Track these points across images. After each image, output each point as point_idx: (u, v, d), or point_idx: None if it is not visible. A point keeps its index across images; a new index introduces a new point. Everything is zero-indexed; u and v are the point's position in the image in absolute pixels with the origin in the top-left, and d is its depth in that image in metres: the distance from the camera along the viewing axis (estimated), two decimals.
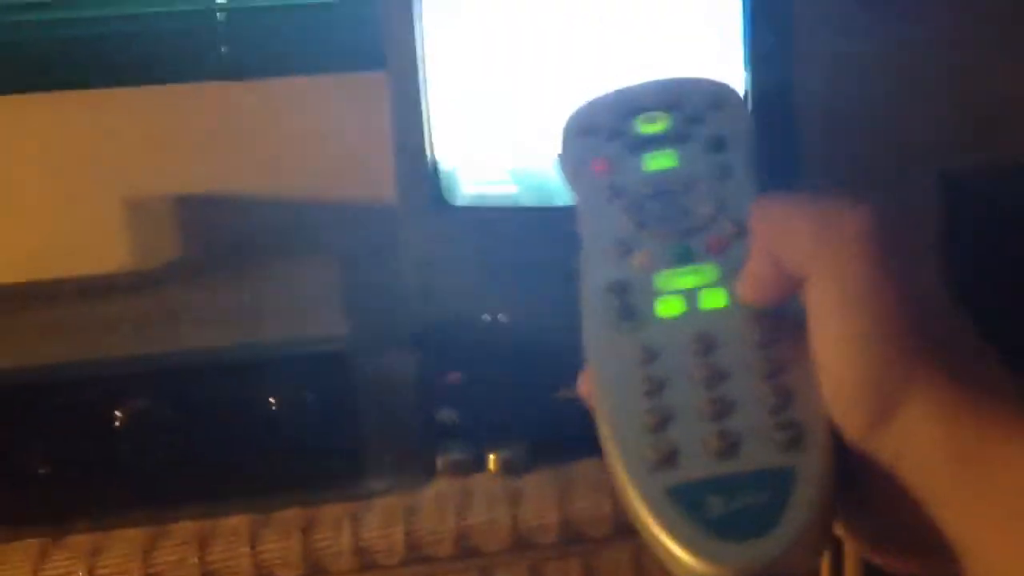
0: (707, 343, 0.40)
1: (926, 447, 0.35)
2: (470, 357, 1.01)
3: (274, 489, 0.95)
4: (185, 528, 0.93)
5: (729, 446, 0.37)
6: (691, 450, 0.37)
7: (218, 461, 0.95)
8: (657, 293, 0.41)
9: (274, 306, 1.07)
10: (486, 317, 1.01)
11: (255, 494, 0.95)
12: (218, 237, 1.29)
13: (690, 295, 0.41)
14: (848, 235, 0.36)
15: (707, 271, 0.41)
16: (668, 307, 0.41)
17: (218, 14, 1.29)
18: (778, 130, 0.98)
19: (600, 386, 0.40)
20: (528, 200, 1.00)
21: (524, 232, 1.01)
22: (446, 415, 1.01)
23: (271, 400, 0.93)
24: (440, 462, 0.99)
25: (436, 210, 1.00)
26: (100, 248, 1.26)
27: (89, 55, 1.27)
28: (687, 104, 0.46)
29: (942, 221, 1.13)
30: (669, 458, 0.37)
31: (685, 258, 0.42)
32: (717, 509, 0.36)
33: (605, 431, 0.39)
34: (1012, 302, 1.07)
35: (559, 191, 0.99)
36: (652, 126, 0.46)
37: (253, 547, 0.91)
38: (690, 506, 0.36)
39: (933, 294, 0.37)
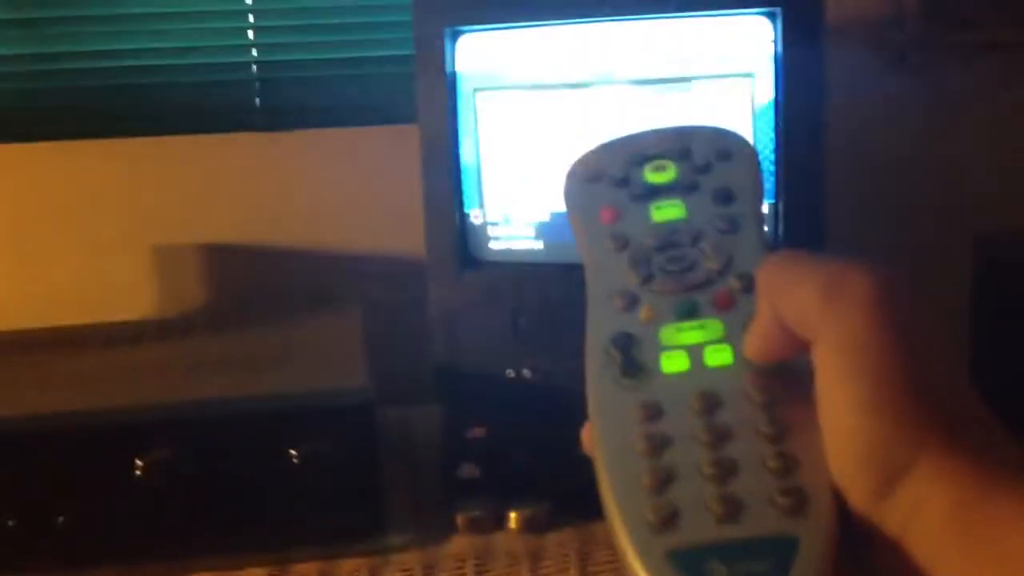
0: (711, 402, 0.39)
1: (933, 520, 0.34)
2: (493, 412, 1.01)
3: (293, 541, 0.94)
4: None
5: (731, 511, 0.36)
6: (693, 513, 0.36)
7: (238, 512, 0.94)
8: (661, 348, 0.41)
9: (299, 356, 1.07)
10: (510, 372, 1.00)
11: (274, 546, 0.94)
12: (246, 286, 1.30)
13: (695, 351, 0.40)
14: (855, 300, 0.36)
15: (713, 327, 0.41)
16: (672, 363, 0.40)
17: (253, 66, 1.30)
18: (808, 190, 0.97)
19: (601, 442, 0.39)
20: (554, 256, 1.00)
21: (549, 288, 1.00)
22: (468, 470, 1.00)
23: (292, 452, 0.92)
24: (460, 518, 0.98)
25: (463, 264, 1.00)
26: (129, 295, 1.27)
27: (123, 104, 1.29)
28: (696, 153, 0.45)
29: (975, 283, 1.12)
30: (670, 520, 0.36)
31: (691, 313, 0.41)
32: (718, 575, 0.35)
33: (605, 488, 0.38)
34: None
35: None
36: (660, 175, 0.45)
37: None
38: (690, 571, 0.35)
39: (941, 361, 0.36)
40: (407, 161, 1.02)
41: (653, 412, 0.39)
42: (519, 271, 1.01)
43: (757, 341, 0.39)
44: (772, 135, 0.96)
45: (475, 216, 1.00)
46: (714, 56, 0.96)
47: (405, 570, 0.93)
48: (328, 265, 1.29)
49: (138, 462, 0.90)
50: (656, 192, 0.45)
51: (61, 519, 0.91)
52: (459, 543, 0.96)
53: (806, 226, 0.97)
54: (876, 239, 1.27)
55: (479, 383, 1.01)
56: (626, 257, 0.43)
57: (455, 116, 0.98)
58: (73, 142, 1.27)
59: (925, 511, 0.34)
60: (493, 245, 1.00)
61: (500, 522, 0.98)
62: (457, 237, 0.99)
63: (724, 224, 0.43)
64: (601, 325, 0.42)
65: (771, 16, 0.94)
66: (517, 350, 1.00)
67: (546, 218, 0.99)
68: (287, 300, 1.25)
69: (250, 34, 1.30)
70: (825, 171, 0.98)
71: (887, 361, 0.35)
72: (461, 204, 0.99)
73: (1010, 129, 1.31)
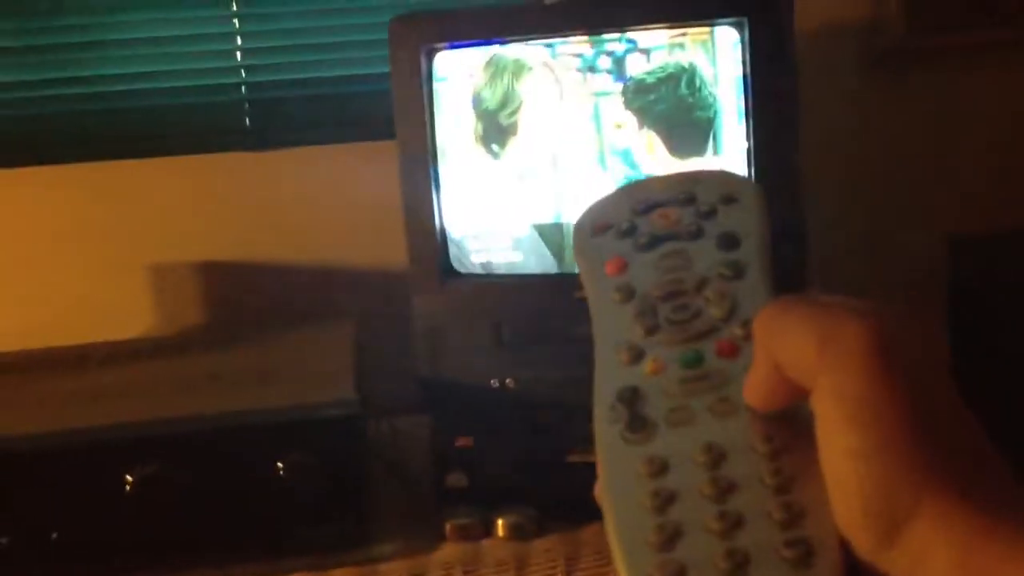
0: (716, 453, 0.38)
1: (939, 567, 0.33)
2: (479, 422, 1.02)
3: (282, 552, 0.96)
4: None
5: (738, 565, 0.36)
6: (700, 570, 0.36)
7: (227, 524, 0.95)
8: (667, 401, 0.40)
9: (289, 370, 1.09)
10: (495, 383, 1.02)
11: (263, 557, 0.95)
12: (239, 302, 1.31)
13: (700, 402, 0.40)
14: (851, 347, 0.35)
15: (718, 377, 0.40)
16: (677, 416, 0.40)
17: (242, 87, 1.33)
18: (783, 194, 0.98)
19: (609, 495, 0.39)
20: (534, 267, 1.01)
21: (531, 299, 1.02)
22: (455, 479, 1.02)
23: (279, 464, 0.94)
24: (448, 526, 0.99)
25: (445, 277, 1.01)
26: (124, 315, 1.29)
27: (117, 127, 1.32)
28: (701, 198, 0.45)
29: (949, 284, 1.14)
30: None
31: (695, 363, 0.40)
32: None
33: (614, 542, 0.38)
34: (1018, 363, 1.07)
35: (563, 259, 1.01)
36: (665, 223, 0.44)
37: None
38: None
39: (943, 406, 0.36)
40: (390, 175, 1.03)
41: (659, 467, 0.38)
42: (501, 283, 1.02)
43: (756, 388, 0.39)
44: (744, 145, 0.97)
45: (454, 229, 1.02)
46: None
47: None
48: (319, 279, 1.31)
49: (129, 477, 0.92)
50: (661, 240, 0.44)
51: (55, 535, 0.92)
52: (447, 551, 0.98)
53: (784, 241, 0.98)
54: (852, 242, 1.28)
55: (465, 393, 1.03)
56: (631, 309, 0.42)
57: (432, 131, 1.00)
58: (66, 166, 1.30)
59: (931, 558, 0.34)
60: (475, 258, 1.02)
61: (488, 529, 1.00)
62: (438, 251, 1.01)
63: (729, 270, 0.42)
64: (607, 378, 0.41)
65: (738, 26, 0.96)
66: (501, 360, 1.02)
67: (525, 232, 1.01)
68: (278, 315, 1.27)
69: (238, 55, 1.32)
70: (800, 184, 0.99)
71: (885, 408, 0.35)
72: (441, 218, 1.01)
73: (987, 131, 1.32)
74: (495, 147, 1.01)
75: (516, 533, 0.99)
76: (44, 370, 1.15)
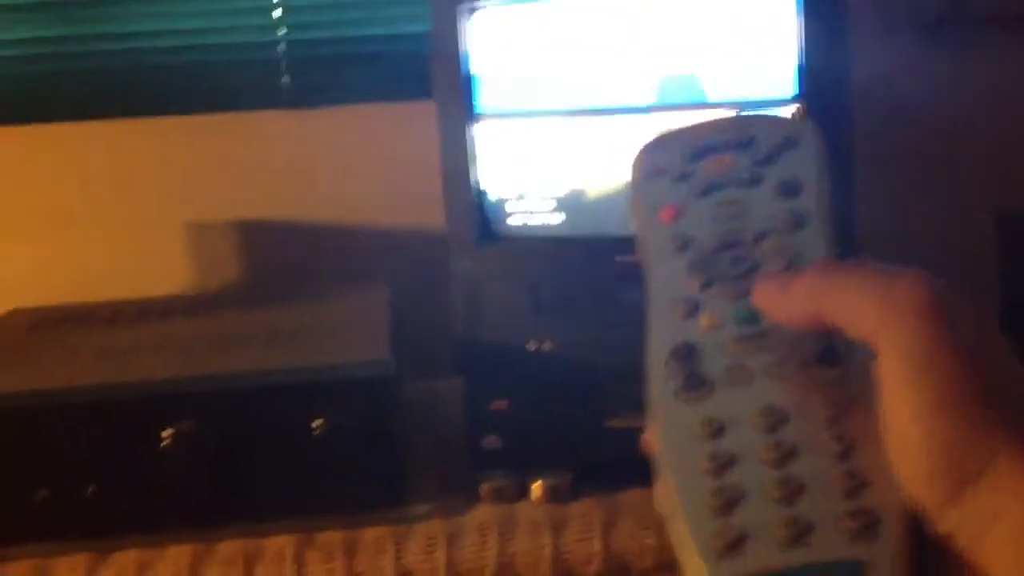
0: (775, 417, 0.37)
1: (1013, 530, 0.33)
2: (515, 384, 1.02)
3: (317, 511, 0.96)
4: (231, 547, 0.94)
5: (799, 534, 0.35)
6: (758, 537, 0.35)
7: (263, 482, 0.96)
8: (723, 359, 0.39)
9: (325, 330, 1.09)
10: (532, 345, 1.01)
11: (299, 515, 0.96)
12: (274, 262, 1.31)
13: (756, 362, 0.38)
14: (915, 309, 0.35)
15: (774, 336, 0.38)
16: (734, 375, 0.38)
17: (281, 45, 1.32)
18: (836, 173, 0.97)
19: (665, 456, 0.38)
20: (573, 229, 1.00)
21: (568, 261, 1.01)
22: (491, 442, 1.02)
23: (314, 424, 0.94)
24: (484, 488, 0.99)
25: (483, 239, 1.01)
26: (160, 272, 1.29)
27: (154, 84, 1.31)
28: (760, 143, 0.43)
29: (1000, 260, 1.12)
30: (736, 545, 0.35)
31: (752, 320, 0.39)
32: None
33: (670, 504, 0.37)
34: None
35: (603, 220, 1.00)
36: (722, 169, 0.42)
37: (297, 568, 0.92)
38: None
39: (1004, 362, 0.36)
40: (429, 135, 1.02)
41: (716, 429, 0.37)
42: (538, 245, 1.01)
43: (776, 299, 0.38)
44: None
45: (493, 191, 1.01)
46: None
47: (429, 539, 0.94)
48: (354, 241, 1.30)
49: (164, 434, 0.93)
50: (717, 187, 0.42)
51: (91, 489, 0.93)
52: (482, 512, 0.98)
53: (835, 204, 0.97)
54: (902, 213, 1.27)
55: (501, 356, 1.02)
56: (686, 260, 0.41)
57: (470, 92, 0.99)
58: (104, 122, 1.30)
59: (1004, 515, 0.33)
60: (511, 220, 1.01)
61: (523, 492, 0.99)
62: (475, 212, 1.00)
63: (789, 220, 0.41)
64: (661, 334, 0.39)
65: None
66: (537, 323, 1.01)
67: (563, 193, 1.00)
68: (314, 275, 1.27)
69: (277, 13, 1.32)
70: (854, 150, 0.98)
71: (952, 366, 0.34)
72: (478, 180, 1.00)
73: None
74: (535, 107, 0.99)
75: (552, 496, 0.99)
76: (77, 325, 1.15)
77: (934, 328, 0.35)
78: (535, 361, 1.02)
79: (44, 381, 0.99)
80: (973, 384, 0.34)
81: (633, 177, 0.44)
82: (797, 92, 0.95)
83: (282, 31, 1.32)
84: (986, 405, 0.34)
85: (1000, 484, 0.33)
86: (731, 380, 0.38)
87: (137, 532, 0.95)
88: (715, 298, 0.40)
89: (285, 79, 1.32)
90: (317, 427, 0.94)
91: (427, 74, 1.02)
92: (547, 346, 1.01)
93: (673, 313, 0.40)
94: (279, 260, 1.31)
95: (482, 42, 0.99)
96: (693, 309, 0.40)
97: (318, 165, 1.30)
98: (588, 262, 1.00)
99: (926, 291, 0.35)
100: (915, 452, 0.34)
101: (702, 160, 0.43)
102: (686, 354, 0.39)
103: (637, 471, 1.04)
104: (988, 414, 0.34)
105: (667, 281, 0.41)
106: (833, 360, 0.38)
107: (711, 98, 0.96)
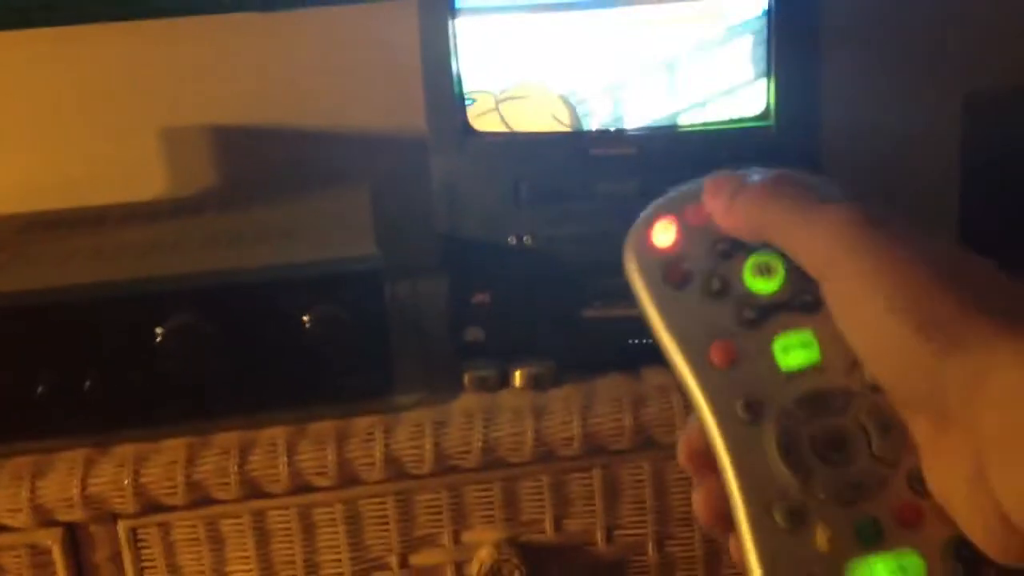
0: None
1: (996, 387, 0.32)
2: (497, 278, 1.05)
3: (309, 403, 0.99)
4: (225, 439, 0.97)
5: None
6: None
7: (255, 376, 0.98)
8: None
9: (308, 229, 1.10)
10: (512, 239, 1.04)
11: (291, 407, 0.99)
12: (254, 166, 1.33)
13: None
14: (855, 232, 0.36)
15: (911, 564, 0.32)
16: None
17: None
18: (798, 43, 0.99)
19: None
20: (553, 125, 1.02)
21: (548, 157, 1.03)
22: (473, 334, 1.05)
23: (305, 318, 0.96)
24: (467, 377, 1.02)
25: (463, 136, 1.03)
26: (139, 177, 1.30)
27: None
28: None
29: (963, 142, 1.15)
30: None
31: (876, 540, 0.32)
32: None
33: None
34: None
35: (583, 114, 1.02)
36: (767, 283, 0.35)
37: (290, 457, 0.95)
38: None
39: (954, 256, 0.36)
40: (407, 35, 1.04)
41: None
42: (519, 140, 1.04)
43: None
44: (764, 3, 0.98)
45: (473, 88, 1.02)
46: None
47: (416, 426, 0.97)
48: (333, 142, 1.32)
49: (159, 330, 0.95)
50: (770, 312, 0.34)
51: (88, 384, 0.95)
52: (467, 401, 1.01)
53: (800, 97, 1.00)
54: (869, 99, 1.29)
55: (482, 251, 1.05)
56: (771, 437, 0.33)
57: None
58: (78, 27, 1.29)
59: (989, 384, 0.33)
60: (493, 116, 1.03)
61: (505, 381, 1.03)
62: (457, 109, 1.02)
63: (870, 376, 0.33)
64: (767, 555, 0.32)
65: None
66: (519, 218, 1.04)
67: (545, 92, 1.02)
68: (294, 178, 1.28)
69: None
70: (819, 38, 1.00)
71: (910, 267, 0.35)
72: (459, 76, 1.02)
73: None
74: (515, 2, 1.01)
75: (533, 383, 1.02)
76: (66, 229, 1.16)
77: (877, 245, 0.35)
78: (516, 255, 1.04)
79: (39, 281, 1.00)
80: (933, 276, 0.35)
81: (648, 274, 0.35)
82: None
83: None
84: (951, 289, 0.35)
85: (980, 353, 0.33)
86: None
87: (134, 427, 0.97)
88: (821, 501, 0.33)
89: None
90: (307, 321, 0.97)
91: None
92: (527, 240, 1.04)
93: (773, 523, 0.33)
94: (259, 164, 1.32)
95: None
96: (799, 518, 0.33)
97: (296, 66, 1.31)
98: (568, 157, 1.03)
99: (862, 213, 0.36)
100: (896, 333, 0.34)
101: (734, 260, 0.35)
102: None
103: (614, 358, 1.08)
104: (955, 296, 0.34)
105: (748, 463, 0.33)
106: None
107: None
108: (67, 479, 0.94)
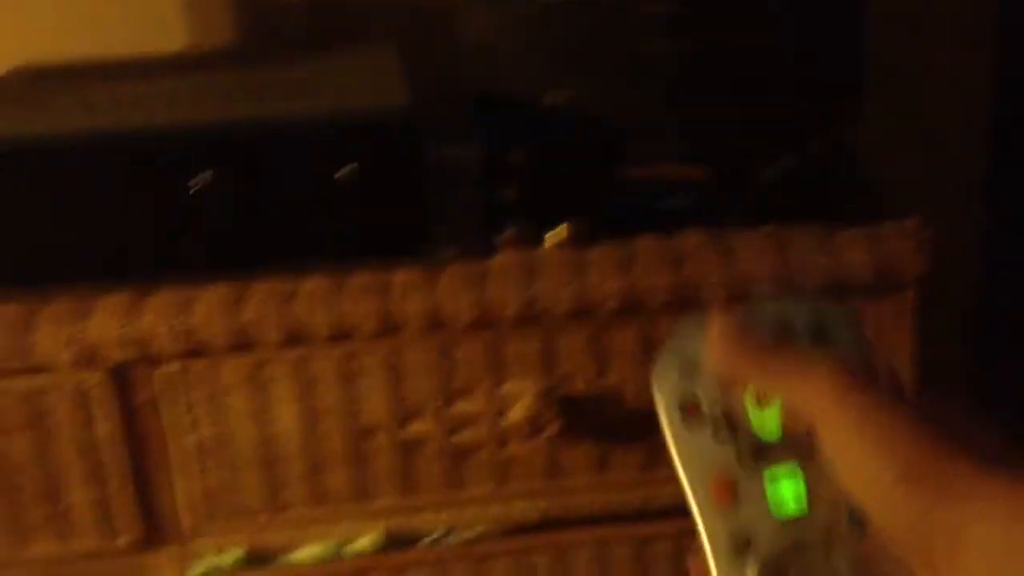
0: None
1: (978, 538, 0.35)
2: (532, 138, 1.04)
3: (345, 255, 0.99)
4: (265, 287, 0.97)
5: None
6: None
7: (292, 229, 0.98)
8: None
9: (336, 84, 1.09)
10: (547, 98, 1.04)
11: (328, 261, 0.98)
12: (276, 22, 1.30)
13: None
14: (842, 393, 0.38)
15: None
16: None
17: None
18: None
19: None
20: None
21: (586, 17, 1.03)
22: (508, 193, 1.05)
23: (338, 171, 0.95)
24: (504, 235, 1.03)
25: None
26: (158, 31, 1.28)
27: None
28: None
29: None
30: None
31: None
32: None
33: None
34: None
35: None
36: (767, 417, 0.37)
37: (330, 306, 0.96)
38: None
39: (933, 410, 0.39)
40: None
41: None
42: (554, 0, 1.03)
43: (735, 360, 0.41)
44: None
45: None
46: None
47: (455, 279, 0.98)
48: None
49: (192, 181, 0.93)
50: (767, 452, 0.36)
51: (125, 230, 0.94)
52: (504, 258, 1.01)
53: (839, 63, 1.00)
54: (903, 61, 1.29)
55: (517, 110, 1.05)
56: (753, 567, 0.35)
57: None
58: None
59: (971, 535, 0.35)
60: None
61: (540, 240, 1.03)
62: None
63: (855, 519, 0.35)
64: None
65: None
66: (554, 76, 1.03)
67: None
68: (322, 32, 1.26)
69: None
70: None
71: (895, 422, 0.37)
72: None
73: None
74: None
75: (570, 241, 1.03)
76: (87, 79, 1.14)
77: (865, 402, 0.38)
78: (551, 114, 1.04)
79: (65, 125, 0.98)
80: (918, 428, 0.37)
81: (670, 411, 0.39)
82: None
83: None
84: (935, 437, 0.37)
85: (959, 506, 0.35)
86: None
87: (170, 277, 0.97)
88: None
89: None
90: (340, 174, 0.96)
91: None
92: (562, 99, 1.04)
93: None
94: (281, 20, 1.30)
95: None
96: None
97: None
98: (606, 16, 1.02)
99: (847, 375, 0.38)
100: (882, 471, 0.36)
101: (740, 394, 0.36)
102: None
103: (650, 216, 1.08)
104: (939, 443, 0.37)
105: None
106: None
107: None
108: (107, 323, 0.94)
